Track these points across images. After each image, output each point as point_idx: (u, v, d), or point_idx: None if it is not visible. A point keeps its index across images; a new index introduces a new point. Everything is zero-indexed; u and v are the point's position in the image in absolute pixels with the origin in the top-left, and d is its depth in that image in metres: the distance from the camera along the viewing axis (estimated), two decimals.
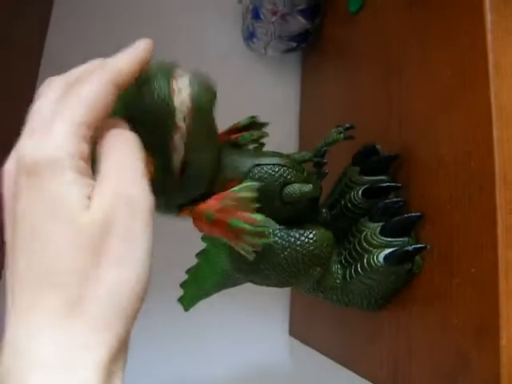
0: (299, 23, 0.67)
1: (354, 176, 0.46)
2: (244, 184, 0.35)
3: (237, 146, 0.39)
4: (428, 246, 0.38)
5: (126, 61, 0.28)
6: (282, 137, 0.74)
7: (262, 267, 0.40)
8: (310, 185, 0.38)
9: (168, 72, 0.33)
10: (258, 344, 0.74)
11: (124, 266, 0.23)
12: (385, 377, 0.44)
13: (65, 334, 0.21)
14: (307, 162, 0.42)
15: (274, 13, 0.66)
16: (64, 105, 0.24)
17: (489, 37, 0.35)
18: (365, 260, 0.40)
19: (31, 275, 0.22)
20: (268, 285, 0.44)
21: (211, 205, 0.34)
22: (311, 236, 0.40)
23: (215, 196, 0.35)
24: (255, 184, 0.34)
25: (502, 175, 0.33)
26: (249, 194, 0.34)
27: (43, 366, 0.20)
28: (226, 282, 0.47)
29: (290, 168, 0.38)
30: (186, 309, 0.51)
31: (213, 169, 0.35)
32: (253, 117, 0.41)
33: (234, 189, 0.35)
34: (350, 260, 0.42)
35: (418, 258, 0.39)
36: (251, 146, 0.40)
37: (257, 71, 0.79)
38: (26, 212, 0.23)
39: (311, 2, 0.67)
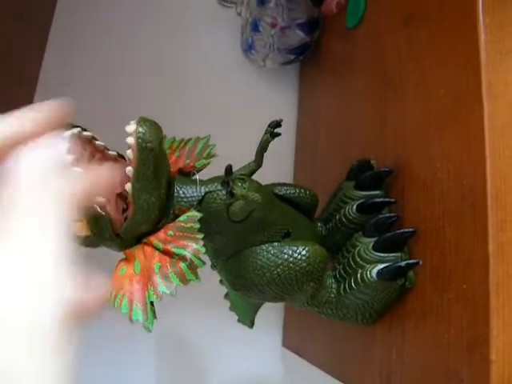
0: (298, 36, 0.68)
1: (348, 191, 0.46)
2: (187, 214, 0.36)
3: (190, 175, 0.41)
4: (420, 262, 0.38)
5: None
6: (279, 148, 0.74)
7: (256, 283, 0.40)
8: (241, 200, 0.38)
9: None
10: (251, 355, 0.74)
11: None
12: None
13: None
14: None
15: (274, 26, 0.66)
16: None
17: (482, 56, 0.36)
18: (358, 275, 0.41)
19: None
20: (262, 300, 0.45)
21: (159, 236, 0.36)
22: (304, 252, 0.40)
23: (165, 227, 0.36)
24: (197, 214, 0.35)
25: (493, 193, 0.33)
26: (192, 225, 0.35)
27: None
28: (253, 304, 0.49)
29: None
30: (250, 327, 0.54)
31: (160, 207, 0.36)
32: (203, 137, 0.44)
33: (179, 219, 0.36)
34: (344, 275, 0.43)
35: (411, 273, 0.40)
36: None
37: (255, 83, 0.80)
38: None
39: (310, 17, 0.67)
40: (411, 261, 0.38)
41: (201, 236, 0.34)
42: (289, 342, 0.71)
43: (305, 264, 0.39)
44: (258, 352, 0.74)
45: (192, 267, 0.34)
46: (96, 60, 0.78)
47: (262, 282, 0.40)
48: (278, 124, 0.40)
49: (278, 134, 0.40)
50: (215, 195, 0.38)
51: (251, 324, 0.54)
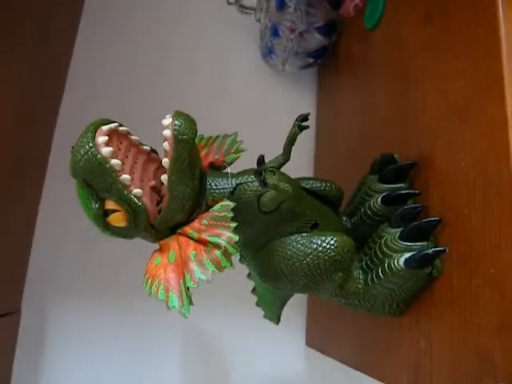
0: (316, 40, 0.70)
1: (372, 184, 0.47)
2: (220, 203, 0.37)
3: (220, 168, 0.43)
4: (447, 249, 0.39)
5: None
6: (298, 151, 0.75)
7: (285, 273, 0.41)
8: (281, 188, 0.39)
9: (92, 128, 0.35)
10: (274, 355, 0.75)
11: None
12: (406, 381, 0.44)
13: None
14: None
15: (293, 30, 0.68)
16: None
17: (503, 45, 0.36)
18: (385, 264, 0.41)
19: None
20: (291, 290, 0.46)
21: (193, 226, 0.37)
22: (332, 242, 0.41)
23: (198, 217, 0.38)
24: (230, 203, 0.37)
25: None
26: (226, 213, 0.36)
27: None
28: (276, 292, 0.50)
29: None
30: (276, 323, 0.55)
31: (194, 197, 0.38)
32: (230, 135, 0.45)
33: (212, 209, 0.37)
34: (371, 265, 0.44)
35: (437, 261, 0.40)
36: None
37: (275, 87, 0.82)
38: None
39: (328, 20, 0.69)
40: (438, 248, 0.39)
41: (234, 224, 0.35)
42: (312, 341, 0.72)
43: (333, 253, 0.40)
44: (281, 352, 0.75)
45: (226, 254, 0.35)
46: (115, 66, 0.80)
47: (292, 271, 0.41)
48: (305, 117, 0.41)
49: (306, 127, 0.41)
50: (246, 186, 0.40)
51: (277, 320, 0.55)
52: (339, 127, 0.71)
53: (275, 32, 0.70)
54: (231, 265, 0.35)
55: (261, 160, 0.40)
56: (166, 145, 0.35)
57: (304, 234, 0.41)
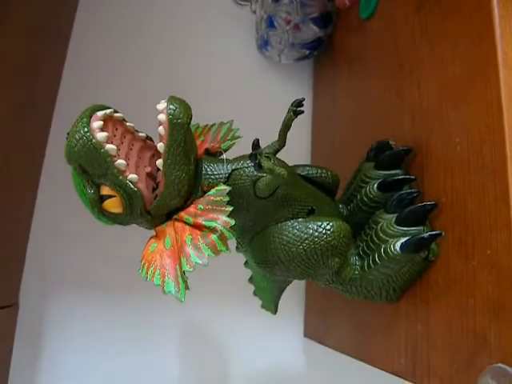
0: (312, 31, 0.70)
1: (368, 171, 0.47)
2: (216, 188, 0.37)
3: (216, 155, 0.43)
4: (443, 233, 0.39)
5: None
6: (295, 142, 0.75)
7: (282, 259, 0.42)
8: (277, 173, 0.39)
9: (87, 113, 0.35)
10: (272, 346, 0.75)
11: None
12: (403, 366, 0.45)
13: None
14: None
15: (288, 22, 0.68)
16: None
17: (497, 31, 0.37)
18: (382, 249, 0.42)
19: None
20: (288, 277, 0.46)
21: (189, 210, 0.37)
22: (328, 227, 0.41)
23: (194, 202, 0.38)
24: (226, 188, 0.37)
25: None
26: (221, 198, 0.37)
27: None
28: (273, 280, 0.50)
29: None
30: (274, 313, 0.56)
31: (189, 182, 0.38)
32: (226, 122, 0.45)
33: (208, 193, 0.38)
34: (368, 251, 0.44)
35: (433, 245, 0.41)
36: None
37: (270, 78, 0.82)
38: None
39: (323, 11, 0.69)
40: (434, 232, 0.39)
41: (230, 208, 0.36)
42: (310, 332, 0.72)
43: (330, 238, 0.40)
44: (279, 343, 0.75)
45: (222, 238, 0.35)
46: (110, 56, 0.80)
47: (288, 257, 0.41)
48: (300, 102, 0.41)
49: (301, 112, 0.42)
50: (242, 172, 0.40)
51: (275, 310, 0.55)
52: (335, 117, 0.71)
53: (271, 24, 0.70)
54: (227, 249, 0.35)
55: (256, 144, 0.40)
56: (160, 129, 0.35)
57: (300, 220, 0.41)
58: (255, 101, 0.79)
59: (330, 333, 0.65)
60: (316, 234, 0.41)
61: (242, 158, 0.41)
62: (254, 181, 0.40)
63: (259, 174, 0.40)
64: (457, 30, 0.42)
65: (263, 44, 0.73)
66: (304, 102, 0.42)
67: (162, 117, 0.35)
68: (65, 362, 0.70)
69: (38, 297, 0.71)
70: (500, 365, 0.31)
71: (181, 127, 0.35)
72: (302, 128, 0.79)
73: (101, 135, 0.34)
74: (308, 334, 0.73)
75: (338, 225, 0.41)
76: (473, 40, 0.40)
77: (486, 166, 0.36)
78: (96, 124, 0.34)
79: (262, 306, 0.55)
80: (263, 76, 0.82)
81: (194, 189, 0.39)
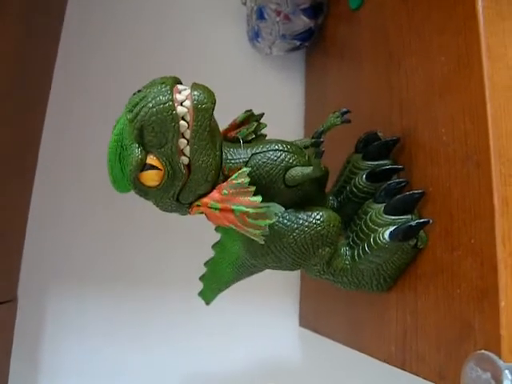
0: (302, 22, 0.70)
1: (357, 162, 0.48)
2: (238, 172, 0.38)
3: (237, 141, 0.42)
4: (431, 221, 0.40)
5: None
6: (288, 134, 0.75)
7: (272, 249, 0.42)
8: (311, 167, 0.40)
9: (171, 81, 0.36)
10: (268, 336, 0.76)
11: None
12: (394, 354, 0.45)
13: None
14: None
15: (278, 13, 0.68)
16: None
17: (480, 21, 0.37)
18: (371, 239, 0.42)
19: None
20: (279, 268, 0.46)
21: (214, 196, 0.38)
22: (318, 217, 0.42)
23: (217, 187, 0.38)
24: (246, 169, 0.38)
25: (496, 151, 0.35)
26: (243, 180, 0.37)
27: None
28: (242, 270, 0.50)
29: (291, 153, 0.41)
30: (208, 302, 0.54)
31: (217, 165, 0.39)
32: (248, 111, 0.43)
33: (231, 178, 0.38)
34: (358, 241, 0.44)
35: (422, 233, 0.41)
36: (250, 138, 0.42)
37: (262, 70, 0.82)
38: None
39: (313, 1, 0.69)
40: (422, 220, 0.40)
41: (253, 188, 0.37)
42: (305, 321, 0.73)
43: (319, 228, 0.41)
44: (275, 333, 0.76)
45: (258, 216, 0.37)
46: (99, 48, 0.79)
47: (279, 247, 0.41)
48: (348, 111, 0.43)
49: (349, 121, 0.43)
50: (266, 156, 0.40)
51: (210, 301, 0.53)
52: (327, 108, 0.71)
53: (261, 15, 0.70)
54: (271, 218, 0.37)
55: (320, 132, 0.42)
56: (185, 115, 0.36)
57: (290, 210, 0.42)
58: (247, 93, 0.79)
59: (324, 322, 0.66)
60: (306, 223, 0.41)
61: (261, 142, 0.42)
62: (286, 167, 0.40)
63: (291, 161, 0.40)
64: (442, 20, 0.42)
65: (254, 36, 0.73)
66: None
67: (187, 103, 0.35)
68: (64, 357, 0.71)
69: (37, 291, 0.72)
70: (483, 351, 0.32)
71: (206, 112, 0.36)
72: (294, 119, 0.80)
73: (181, 110, 0.35)
74: (303, 323, 0.74)
75: (327, 214, 0.42)
76: (457, 31, 0.40)
77: (470, 157, 0.37)
78: (179, 97, 0.35)
79: (200, 293, 0.53)
80: (255, 68, 0.82)
81: (218, 175, 0.39)
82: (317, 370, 0.75)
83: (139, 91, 0.36)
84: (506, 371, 0.30)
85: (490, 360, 0.31)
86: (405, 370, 0.43)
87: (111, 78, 0.78)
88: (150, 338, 0.73)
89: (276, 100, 0.80)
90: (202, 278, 0.53)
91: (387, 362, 0.47)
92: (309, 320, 0.72)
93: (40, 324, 0.72)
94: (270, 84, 0.82)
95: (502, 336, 0.32)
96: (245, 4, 0.74)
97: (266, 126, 0.43)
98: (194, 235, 0.65)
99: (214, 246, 0.50)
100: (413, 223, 0.40)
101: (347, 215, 0.48)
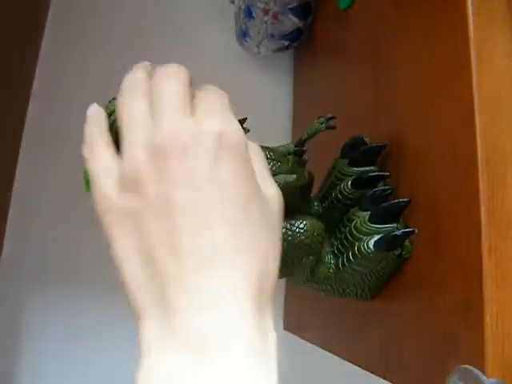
0: (291, 22, 0.69)
1: (343, 168, 0.47)
2: None
3: None
4: (416, 231, 0.39)
5: None
6: (276, 135, 0.75)
7: None
8: (294, 175, 0.39)
9: None
10: None
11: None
12: (377, 363, 0.45)
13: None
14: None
15: (266, 12, 0.67)
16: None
17: (471, 25, 0.36)
18: (355, 248, 0.41)
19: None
20: None
21: None
22: (302, 226, 0.41)
23: None
24: None
25: (484, 159, 0.34)
26: None
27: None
28: None
29: (273, 160, 0.40)
30: None
31: None
32: None
33: None
34: (342, 249, 0.43)
35: (407, 242, 0.40)
36: None
37: (250, 70, 0.81)
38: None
39: (302, 1, 0.68)
40: (407, 230, 0.39)
41: None
42: (290, 325, 0.72)
43: (303, 237, 0.40)
44: None
45: None
46: (86, 44, 0.78)
47: None
48: (333, 117, 0.42)
49: (333, 127, 0.41)
50: None
51: None
52: (315, 110, 0.70)
53: (249, 14, 0.69)
54: None
55: (303, 140, 0.40)
56: None
57: None
58: (234, 93, 0.77)
59: (308, 327, 0.65)
60: (289, 232, 0.40)
61: None
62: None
63: (274, 169, 0.39)
64: (432, 23, 0.42)
65: (242, 35, 0.72)
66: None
67: None
68: (43, 356, 0.70)
69: (15, 291, 0.70)
70: (467, 366, 0.31)
71: None
72: (282, 119, 0.79)
73: None
74: (288, 327, 0.73)
75: (311, 223, 0.41)
76: (447, 33, 0.39)
77: (457, 164, 0.36)
78: None
79: None
80: (243, 68, 0.80)
81: None
82: (300, 373, 0.74)
83: (114, 99, 0.35)
84: None
85: (474, 375, 0.31)
86: (386, 379, 0.42)
87: (94, 75, 0.76)
88: (129, 335, 0.72)
89: (264, 100, 0.79)
90: None
91: (369, 370, 0.46)
92: (293, 324, 0.71)
93: (18, 324, 0.71)
94: (258, 84, 0.81)
95: (485, 351, 0.31)
96: (233, 3, 0.72)
97: (248, 130, 0.42)
98: None
99: None
100: (398, 233, 0.39)
101: (332, 221, 0.47)
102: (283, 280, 0.74)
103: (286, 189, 0.39)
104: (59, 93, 0.75)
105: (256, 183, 0.26)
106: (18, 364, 0.70)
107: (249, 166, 0.26)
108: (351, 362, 0.49)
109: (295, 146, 0.42)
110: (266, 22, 0.69)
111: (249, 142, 0.27)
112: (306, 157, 0.40)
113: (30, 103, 0.74)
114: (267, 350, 0.24)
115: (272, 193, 0.28)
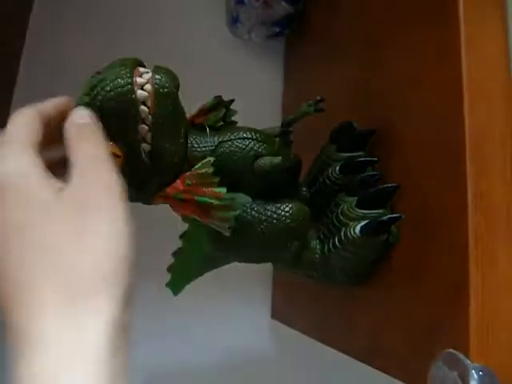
0: (282, 8, 0.68)
1: (331, 153, 0.46)
2: (202, 161, 0.36)
3: (204, 129, 0.40)
4: (403, 216, 0.39)
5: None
6: (266, 122, 0.74)
7: (240, 242, 0.41)
8: (279, 157, 0.38)
9: (131, 63, 0.34)
10: (240, 327, 0.75)
11: (105, 237, 0.25)
12: (363, 350, 0.45)
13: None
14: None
15: None
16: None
17: (461, 15, 0.36)
18: (342, 233, 0.41)
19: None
20: (248, 261, 0.45)
21: (177, 186, 0.36)
22: (287, 209, 0.40)
23: (180, 177, 0.36)
24: (210, 159, 0.36)
25: (471, 144, 0.34)
26: (206, 170, 0.35)
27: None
28: (209, 262, 0.48)
29: (260, 141, 0.39)
30: (175, 293, 0.51)
31: (181, 153, 0.37)
32: (217, 97, 0.41)
33: (194, 167, 0.36)
34: (328, 234, 0.43)
35: (394, 228, 0.40)
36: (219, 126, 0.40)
37: (241, 57, 0.80)
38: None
39: None
40: (393, 215, 0.39)
41: (217, 179, 0.35)
42: (278, 314, 0.72)
43: (288, 221, 0.39)
44: (247, 325, 0.75)
45: (223, 208, 0.35)
46: (73, 30, 0.77)
47: (245, 240, 0.40)
48: (321, 99, 0.41)
49: (322, 110, 0.40)
50: (234, 144, 0.38)
51: (178, 292, 0.52)
52: (305, 96, 0.69)
53: (240, 0, 0.68)
54: (235, 210, 0.36)
55: (289, 121, 0.39)
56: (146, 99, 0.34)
57: (258, 201, 0.40)
58: (225, 79, 0.77)
59: (295, 315, 0.64)
60: (275, 215, 0.40)
61: (229, 130, 0.40)
62: (255, 156, 0.39)
63: (260, 150, 0.39)
64: (423, 11, 0.41)
65: (233, 21, 0.71)
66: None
67: (148, 87, 0.33)
68: None
69: None
70: (451, 351, 0.31)
71: (168, 96, 0.34)
72: (272, 106, 0.78)
73: (141, 93, 0.33)
74: (275, 315, 0.72)
75: (296, 207, 0.40)
76: (438, 23, 0.39)
77: (445, 150, 0.36)
78: (140, 80, 0.33)
79: (168, 284, 0.51)
80: (233, 54, 0.80)
81: (184, 163, 0.37)
82: (288, 362, 0.75)
83: (98, 73, 0.34)
84: (473, 371, 0.29)
85: (458, 359, 0.30)
86: (372, 366, 0.42)
87: (84, 61, 0.75)
88: None
89: (254, 86, 0.79)
90: (169, 269, 0.51)
91: (356, 358, 0.46)
92: (281, 313, 0.71)
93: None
94: (249, 70, 0.80)
95: (470, 337, 0.31)
96: None
97: (236, 112, 0.41)
98: (161, 225, 0.63)
99: (181, 237, 0.48)
100: (385, 218, 0.39)
101: (319, 207, 0.46)
102: (271, 269, 0.74)
103: (272, 171, 0.39)
104: (46, 86, 0.74)
105: None
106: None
107: None
108: (339, 350, 0.49)
109: (281, 126, 0.42)
110: (257, 8, 0.68)
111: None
112: (292, 136, 0.39)
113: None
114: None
115: None
